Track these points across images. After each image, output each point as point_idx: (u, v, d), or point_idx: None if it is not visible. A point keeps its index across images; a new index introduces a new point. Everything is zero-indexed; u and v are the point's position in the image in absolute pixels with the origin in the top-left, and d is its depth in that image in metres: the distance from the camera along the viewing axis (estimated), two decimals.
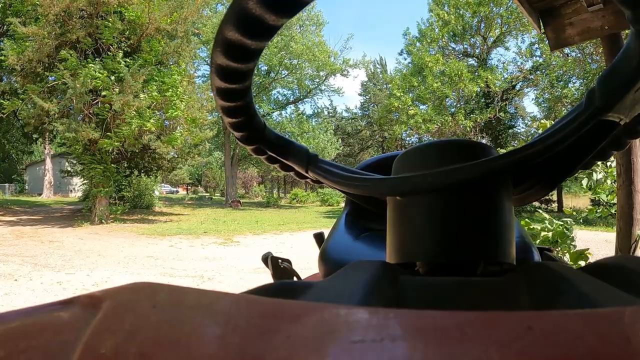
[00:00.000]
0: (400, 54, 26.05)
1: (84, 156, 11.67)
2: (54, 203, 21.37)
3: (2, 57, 10.65)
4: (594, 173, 3.27)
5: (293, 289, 0.26)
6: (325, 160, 0.45)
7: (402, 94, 21.30)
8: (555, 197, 21.61)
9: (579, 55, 17.39)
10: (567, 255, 3.13)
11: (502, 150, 0.36)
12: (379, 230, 0.65)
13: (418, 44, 22.55)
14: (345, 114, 40.37)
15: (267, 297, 0.18)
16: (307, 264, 4.99)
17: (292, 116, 27.34)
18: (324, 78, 26.72)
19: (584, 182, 3.35)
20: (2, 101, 10.87)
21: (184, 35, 13.17)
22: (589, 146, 0.35)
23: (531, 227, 3.36)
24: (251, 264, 6.23)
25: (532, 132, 22.36)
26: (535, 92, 21.93)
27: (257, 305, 0.17)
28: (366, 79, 40.09)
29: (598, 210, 3.47)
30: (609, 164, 3.15)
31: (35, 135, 14.12)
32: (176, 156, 15.51)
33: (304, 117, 27.79)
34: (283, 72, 25.33)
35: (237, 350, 0.13)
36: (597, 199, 3.39)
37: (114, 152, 11.61)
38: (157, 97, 11.03)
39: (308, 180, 0.50)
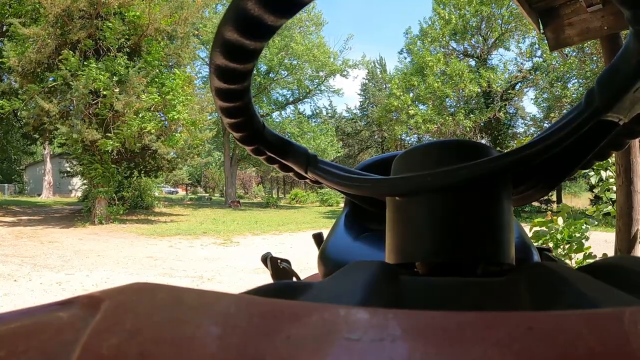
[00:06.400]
0: (401, 52, 26.11)
1: (84, 156, 11.66)
2: (54, 203, 21.34)
3: (4, 59, 10.63)
4: (602, 172, 3.25)
5: (293, 289, 0.26)
6: (325, 160, 0.45)
7: (401, 94, 21.33)
8: (554, 197, 21.65)
9: (578, 55, 17.42)
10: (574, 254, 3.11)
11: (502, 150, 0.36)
12: (379, 231, 0.65)
13: (419, 43, 22.61)
14: (344, 115, 40.45)
15: (266, 297, 0.18)
16: (307, 264, 4.99)
17: (292, 116, 27.33)
18: (323, 78, 26.72)
19: (593, 179, 3.33)
20: (1, 102, 10.85)
21: (184, 36, 13.16)
22: (589, 146, 0.35)
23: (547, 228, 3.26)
24: (251, 264, 6.23)
25: (531, 132, 22.39)
26: (535, 92, 22.00)
27: (257, 306, 0.17)
28: (366, 80, 40.13)
29: (606, 209, 3.41)
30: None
31: (35, 136, 14.11)
32: (176, 156, 15.50)
33: (304, 117, 27.79)
34: (283, 72, 25.33)
35: (237, 351, 0.13)
36: (605, 196, 3.36)
37: (114, 153, 11.60)
38: (157, 99, 11.02)
39: (307, 180, 0.50)
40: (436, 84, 20.18)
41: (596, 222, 3.28)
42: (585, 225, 3.16)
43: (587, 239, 3.14)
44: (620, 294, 0.21)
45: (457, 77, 19.99)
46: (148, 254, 7.27)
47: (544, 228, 3.29)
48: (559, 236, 3.14)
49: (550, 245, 3.16)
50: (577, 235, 3.12)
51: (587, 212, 3.45)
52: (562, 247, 3.16)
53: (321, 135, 26.29)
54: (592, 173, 3.32)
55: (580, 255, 3.13)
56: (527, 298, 0.25)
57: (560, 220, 3.20)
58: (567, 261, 3.11)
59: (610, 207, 3.19)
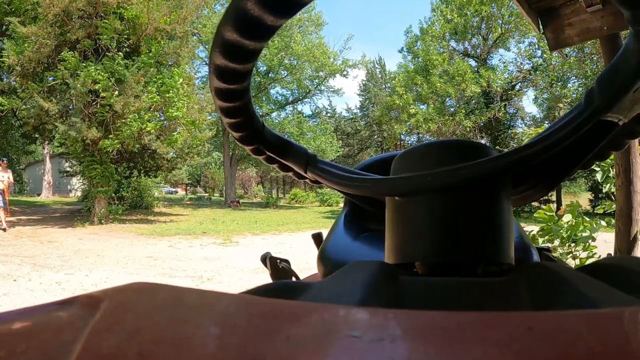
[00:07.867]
0: (400, 51, 26.07)
1: (84, 156, 11.65)
2: (53, 203, 21.30)
3: (3, 58, 10.61)
4: (611, 169, 3.23)
5: (292, 289, 0.26)
6: (324, 160, 0.45)
7: (404, 92, 21.36)
8: (554, 197, 21.64)
9: (578, 55, 17.43)
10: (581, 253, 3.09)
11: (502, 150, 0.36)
12: (378, 231, 0.65)
13: (419, 43, 22.63)
14: (344, 114, 40.47)
15: (266, 297, 0.18)
16: (306, 264, 4.99)
17: (291, 116, 27.33)
18: (323, 79, 26.71)
19: (598, 175, 3.31)
20: (0, 99, 10.83)
21: (183, 35, 13.15)
22: (588, 146, 0.35)
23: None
24: (250, 264, 6.23)
25: (531, 132, 22.38)
26: (535, 92, 22.02)
27: (256, 306, 0.17)
28: (365, 79, 40.17)
29: (613, 207, 3.38)
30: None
31: (35, 135, 14.09)
32: (175, 156, 15.50)
33: (303, 117, 27.79)
34: (282, 72, 25.32)
35: (236, 351, 0.13)
36: (610, 192, 3.34)
37: (114, 152, 11.60)
38: (156, 99, 11.01)
39: (307, 180, 0.50)
40: (439, 84, 20.21)
41: (605, 224, 3.25)
42: (594, 225, 3.15)
43: (594, 239, 3.13)
44: (620, 294, 0.21)
45: (459, 77, 20.02)
46: (148, 253, 7.27)
47: (549, 225, 3.25)
48: (564, 234, 3.12)
49: (557, 242, 3.15)
50: (585, 234, 3.11)
51: (597, 213, 3.42)
52: (567, 245, 3.15)
53: (321, 135, 26.30)
54: (597, 169, 3.30)
55: (584, 254, 3.12)
56: (527, 298, 0.25)
57: (565, 218, 3.18)
58: (572, 260, 3.11)
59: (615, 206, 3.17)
